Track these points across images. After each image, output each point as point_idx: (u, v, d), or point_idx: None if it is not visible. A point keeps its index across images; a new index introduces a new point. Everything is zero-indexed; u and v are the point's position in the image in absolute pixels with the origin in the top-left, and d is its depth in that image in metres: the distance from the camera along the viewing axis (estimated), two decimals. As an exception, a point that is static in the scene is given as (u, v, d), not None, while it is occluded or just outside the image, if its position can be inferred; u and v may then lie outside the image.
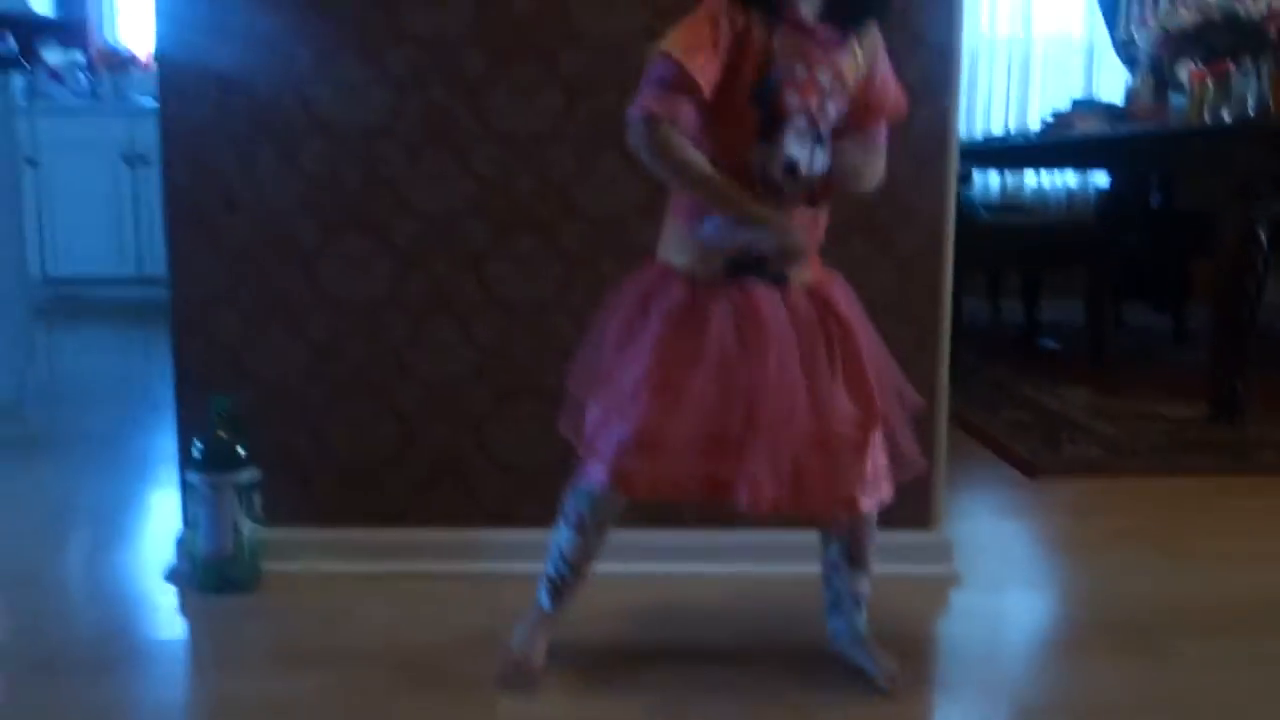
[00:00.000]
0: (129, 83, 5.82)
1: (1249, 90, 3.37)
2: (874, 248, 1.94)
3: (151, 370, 3.84)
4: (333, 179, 1.92)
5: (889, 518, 1.61)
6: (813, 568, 1.68)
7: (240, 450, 1.89)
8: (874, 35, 1.47)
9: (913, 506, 1.91)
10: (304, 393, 1.98)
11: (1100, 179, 5.47)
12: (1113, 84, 5.57)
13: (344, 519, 2.00)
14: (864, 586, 1.63)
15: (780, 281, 1.44)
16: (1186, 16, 4.17)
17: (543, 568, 1.60)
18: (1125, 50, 5.27)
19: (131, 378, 3.95)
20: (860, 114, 1.49)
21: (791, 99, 1.39)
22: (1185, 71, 3.97)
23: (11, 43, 5.59)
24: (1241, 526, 2.40)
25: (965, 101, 5.36)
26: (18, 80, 4.62)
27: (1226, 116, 3.40)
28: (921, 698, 1.61)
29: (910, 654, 1.68)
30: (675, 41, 1.33)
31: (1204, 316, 4.07)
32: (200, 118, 1.90)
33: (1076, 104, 4.79)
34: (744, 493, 1.39)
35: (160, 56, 1.91)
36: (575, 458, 1.52)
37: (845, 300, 1.51)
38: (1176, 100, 3.95)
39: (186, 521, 1.96)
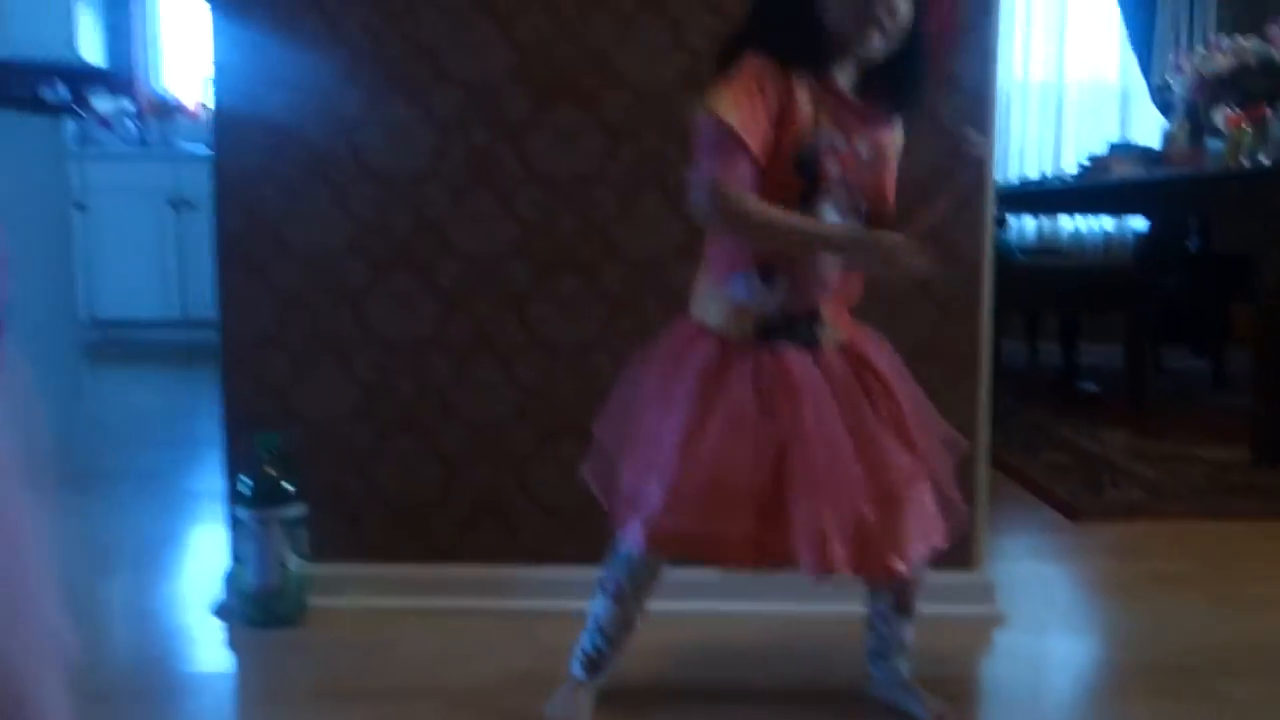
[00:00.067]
0: (175, 130, 5.97)
1: (1286, 134, 3.38)
2: (913, 290, 1.95)
3: (195, 410, 3.90)
4: (381, 222, 1.97)
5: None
6: (852, 606, 1.68)
7: (288, 487, 1.92)
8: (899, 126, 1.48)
9: (954, 547, 1.89)
10: (350, 431, 2.01)
11: (1137, 222, 5.46)
12: (1147, 129, 5.58)
13: (389, 555, 2.03)
14: (909, 634, 1.63)
15: (812, 344, 1.45)
16: (1222, 61, 4.18)
17: (584, 609, 1.59)
18: (1161, 95, 5.28)
19: (176, 418, 4.01)
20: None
21: (831, 167, 1.40)
22: (1221, 116, 3.97)
23: (63, 90, 5.76)
24: (1286, 571, 2.38)
25: (999, 146, 5.38)
26: (69, 126, 4.74)
27: (1264, 160, 3.40)
28: (965, 738, 1.60)
29: (954, 695, 1.67)
30: (724, 104, 1.33)
31: (1243, 360, 4.05)
32: (253, 164, 1.96)
33: (1113, 148, 4.80)
34: (807, 554, 1.37)
35: (217, 106, 1.96)
36: (604, 505, 1.51)
37: (880, 354, 1.51)
38: (1213, 144, 3.95)
39: (235, 557, 1.99)
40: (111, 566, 2.31)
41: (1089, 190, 4.64)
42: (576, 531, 1.92)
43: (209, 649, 1.91)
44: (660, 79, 1.93)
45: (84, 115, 5.75)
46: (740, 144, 1.33)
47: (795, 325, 1.44)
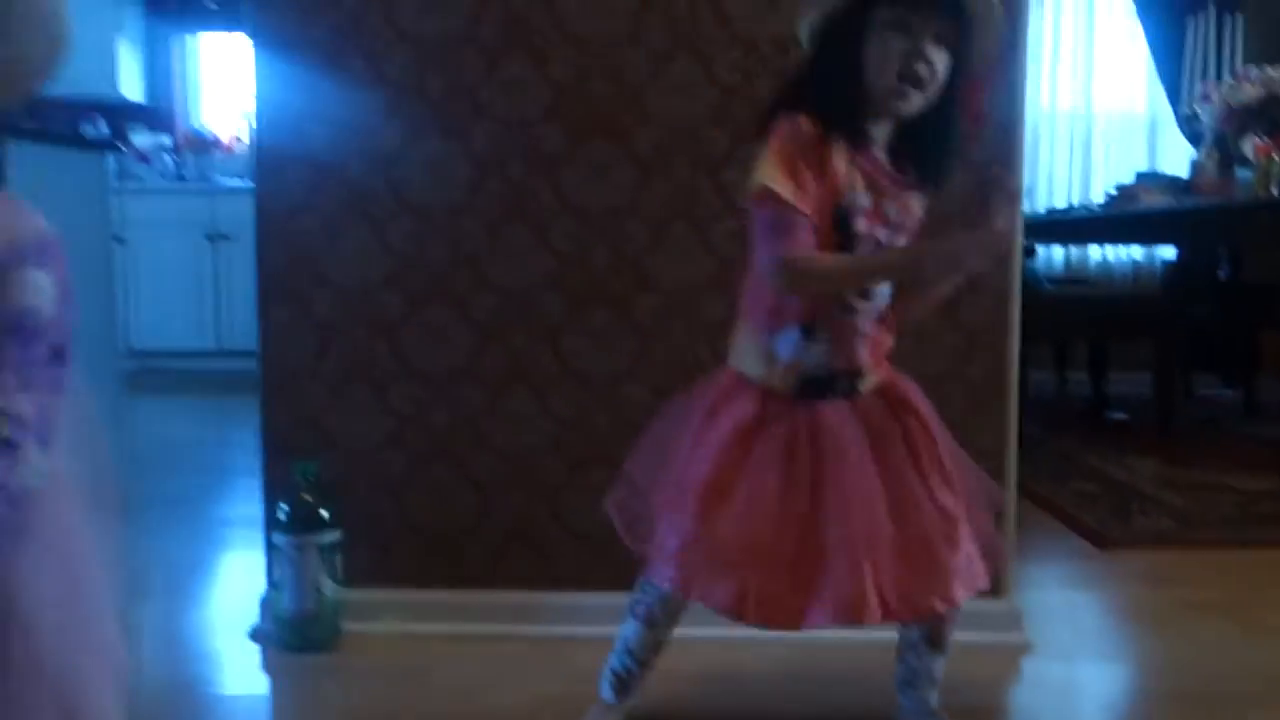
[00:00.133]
0: (211, 164, 6.08)
1: (1315, 163, 3.38)
2: (941, 319, 1.97)
3: (229, 439, 3.96)
4: (418, 255, 2.01)
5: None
6: (880, 634, 1.68)
7: (324, 513, 1.96)
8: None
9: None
10: (386, 460, 2.05)
11: (1166, 251, 5.45)
12: (1175, 158, 5.57)
13: (423, 581, 2.06)
14: (940, 668, 1.63)
15: (851, 395, 1.47)
16: (1250, 91, 4.19)
17: (614, 635, 1.61)
18: (1189, 125, 5.28)
19: (210, 446, 4.07)
20: None
21: (861, 225, 1.42)
22: (1250, 145, 3.98)
23: (104, 126, 5.88)
24: (1318, 600, 2.37)
25: (1027, 176, 5.39)
26: (110, 161, 4.84)
27: (1293, 189, 3.40)
28: (993, 765, 1.61)
29: (981, 722, 1.68)
30: (772, 175, 1.36)
31: (1273, 389, 4.03)
32: (293, 199, 2.00)
33: (1141, 177, 4.81)
34: (841, 613, 1.39)
35: (258, 142, 2.02)
36: (625, 538, 1.53)
37: (919, 397, 1.53)
38: (1242, 174, 3.95)
39: (271, 582, 2.03)
40: (147, 591, 2.35)
41: (1117, 220, 4.64)
42: (607, 558, 1.93)
43: (244, 673, 1.95)
44: (691, 114, 1.97)
45: (124, 150, 5.87)
46: (797, 213, 1.36)
47: (836, 379, 1.47)
